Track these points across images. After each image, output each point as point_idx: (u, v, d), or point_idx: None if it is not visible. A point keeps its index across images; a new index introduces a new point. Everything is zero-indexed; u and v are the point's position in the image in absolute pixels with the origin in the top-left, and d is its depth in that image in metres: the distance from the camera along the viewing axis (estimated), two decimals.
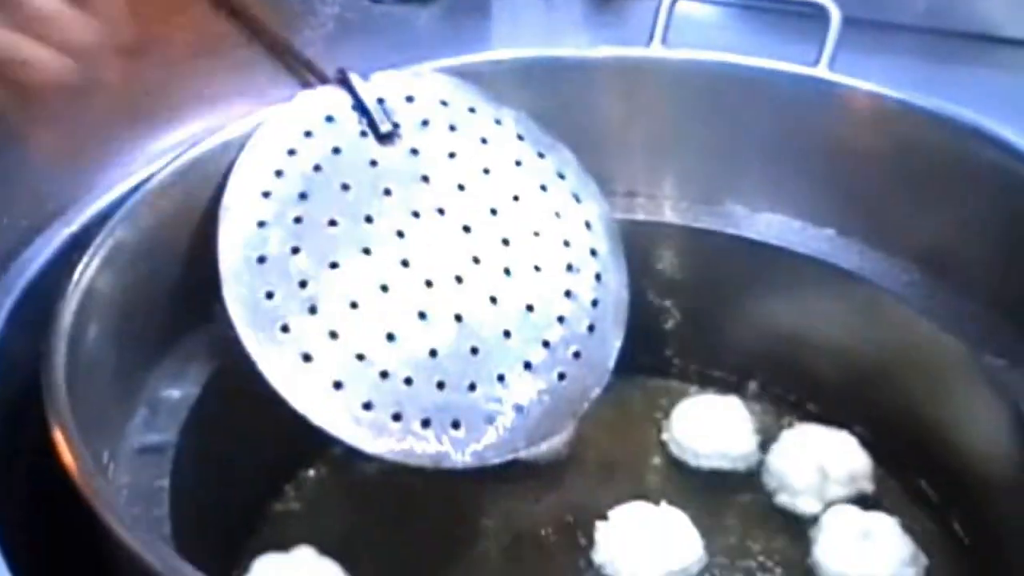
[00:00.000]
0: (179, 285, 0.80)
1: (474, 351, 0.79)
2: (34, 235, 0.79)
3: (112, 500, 0.60)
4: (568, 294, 0.83)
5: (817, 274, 0.91)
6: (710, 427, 0.93)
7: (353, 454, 0.75)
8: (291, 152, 0.82)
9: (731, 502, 0.90)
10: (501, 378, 0.79)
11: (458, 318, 0.80)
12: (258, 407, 0.74)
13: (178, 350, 0.80)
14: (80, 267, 0.71)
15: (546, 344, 0.81)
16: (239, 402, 0.76)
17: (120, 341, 0.74)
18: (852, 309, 0.91)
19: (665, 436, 0.94)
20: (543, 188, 0.86)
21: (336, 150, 0.83)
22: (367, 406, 0.75)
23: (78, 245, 0.77)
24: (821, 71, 0.90)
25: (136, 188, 0.81)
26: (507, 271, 0.82)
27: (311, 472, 0.91)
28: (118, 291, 0.74)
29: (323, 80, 0.90)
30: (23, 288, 0.75)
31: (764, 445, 0.92)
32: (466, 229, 0.82)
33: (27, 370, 0.68)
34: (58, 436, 0.61)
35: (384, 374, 0.76)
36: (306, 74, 0.95)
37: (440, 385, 0.77)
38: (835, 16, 0.92)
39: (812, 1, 0.92)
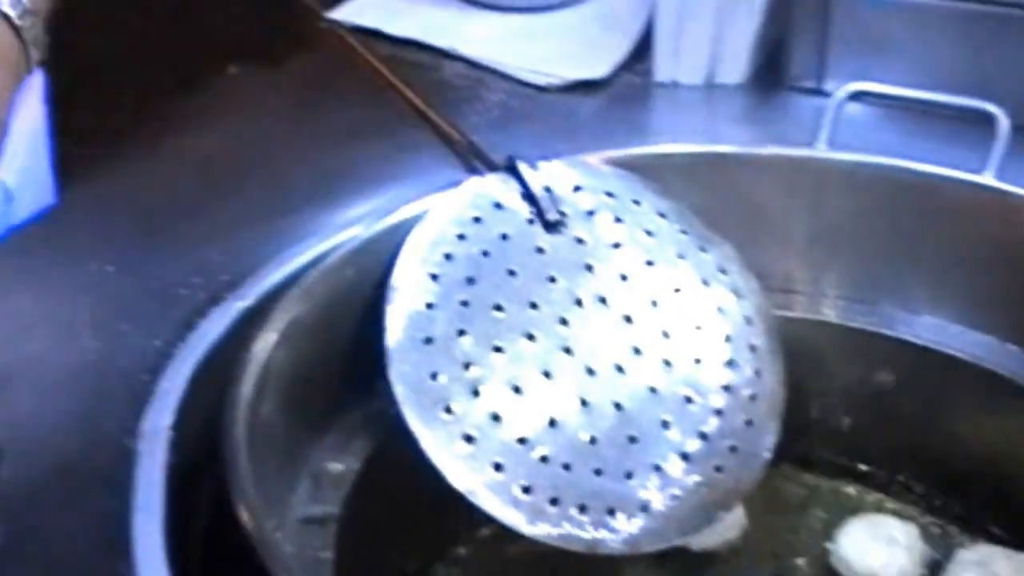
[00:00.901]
0: (346, 361, 0.82)
1: (632, 440, 0.80)
2: (210, 306, 0.82)
3: (291, 569, 0.62)
4: (727, 388, 0.84)
5: (975, 380, 0.90)
6: (878, 552, 0.91)
7: (505, 534, 0.76)
8: (460, 237, 0.84)
9: None
10: (658, 468, 0.80)
11: (618, 406, 0.81)
12: (417, 484, 0.76)
13: (342, 424, 0.82)
14: (258, 341, 0.74)
15: (703, 436, 0.82)
16: (399, 478, 0.78)
17: (290, 414, 0.76)
18: (1011, 417, 0.90)
19: (828, 545, 0.94)
20: (705, 282, 0.86)
21: (504, 236, 0.84)
22: (526, 489, 0.76)
23: (252, 318, 0.80)
24: (987, 178, 0.90)
25: (309, 265, 0.84)
26: (667, 363, 0.83)
27: (462, 550, 0.92)
28: (290, 365, 0.76)
29: (491, 166, 0.92)
30: (200, 358, 0.77)
31: (935, 566, 0.91)
32: (628, 319, 0.83)
33: (203, 438, 0.70)
34: (239, 506, 0.63)
35: (544, 459, 0.77)
36: (473, 159, 0.97)
37: (598, 472, 0.78)
38: (1003, 123, 0.91)
39: (980, 108, 0.93)
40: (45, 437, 0.72)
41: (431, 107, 1.06)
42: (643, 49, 1.15)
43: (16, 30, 0.81)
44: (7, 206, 1.01)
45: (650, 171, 0.90)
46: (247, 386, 0.71)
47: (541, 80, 1.11)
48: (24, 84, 0.83)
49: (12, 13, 0.81)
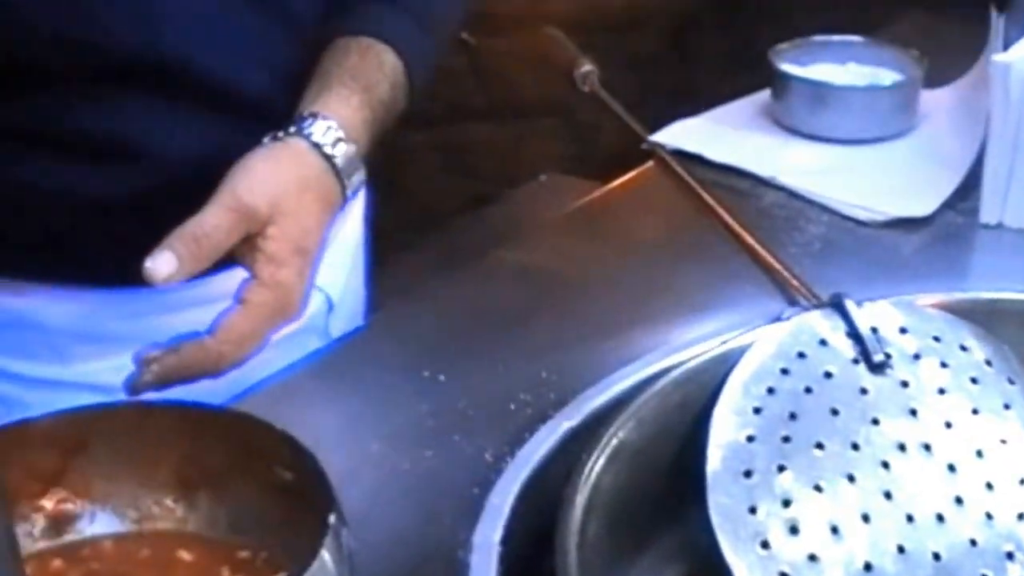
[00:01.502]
0: (666, 484, 0.84)
1: None
2: (538, 423, 0.85)
3: None
4: None
5: None
6: None
7: None
8: (784, 371, 0.85)
9: None
10: None
11: (936, 557, 0.80)
12: None
13: (658, 547, 0.84)
14: (588, 463, 0.76)
15: None
16: None
17: (613, 535, 0.78)
18: None
19: None
20: None
21: (827, 374, 0.85)
22: None
23: (578, 437, 0.83)
24: None
25: (634, 388, 0.86)
26: (989, 515, 0.82)
27: None
28: (616, 487, 0.78)
29: (815, 301, 0.93)
30: (528, 475, 0.80)
31: None
32: (951, 468, 0.82)
33: (531, 553, 0.73)
34: None
35: None
36: (796, 291, 0.98)
37: None
38: None
39: None
40: (380, 544, 0.75)
41: (752, 235, 1.07)
42: (967, 187, 1.14)
43: (328, 159, 0.85)
44: (328, 317, 1.07)
45: (977, 317, 0.90)
46: (577, 507, 0.73)
47: (862, 215, 1.12)
48: (343, 206, 0.88)
49: (325, 142, 0.85)
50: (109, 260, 0.90)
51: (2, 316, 0.94)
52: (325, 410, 0.87)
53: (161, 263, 0.75)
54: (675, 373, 0.85)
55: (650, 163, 1.23)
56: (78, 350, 0.95)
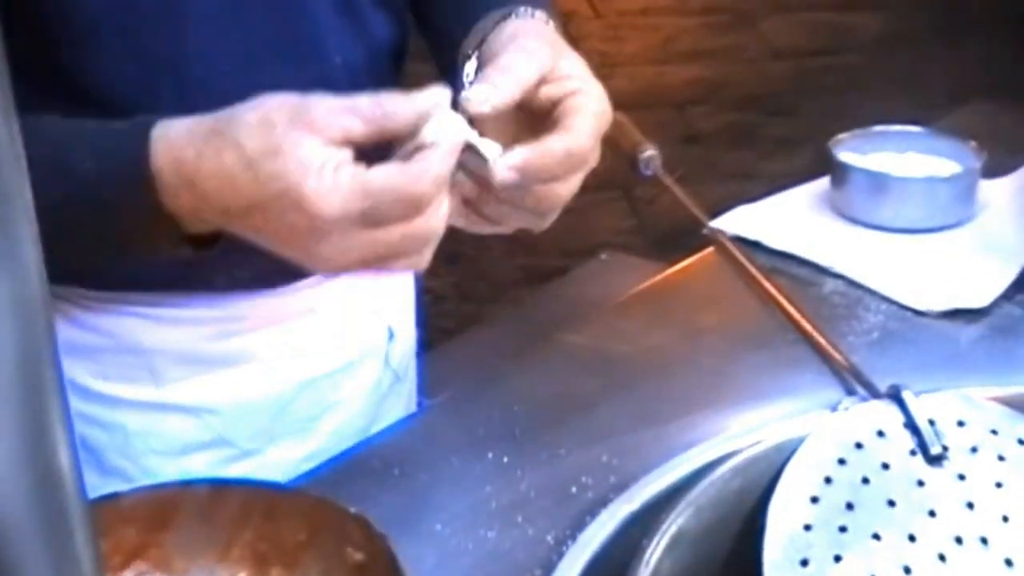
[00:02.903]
0: (722, 573, 0.85)
1: None
2: (599, 507, 0.86)
3: None
4: None
5: None
6: None
7: None
8: (841, 462, 0.86)
9: None
10: None
11: None
12: None
13: None
14: (649, 549, 0.78)
15: None
16: None
17: None
18: None
19: None
20: None
21: (885, 465, 0.86)
22: None
23: (637, 523, 0.84)
24: None
25: (695, 474, 0.88)
26: None
27: None
28: (675, 573, 0.80)
29: (872, 391, 0.95)
30: (589, 558, 0.82)
31: None
32: (1008, 563, 0.83)
33: None
34: None
35: None
36: (852, 381, 1.00)
37: None
38: None
39: None
40: None
41: (811, 323, 1.09)
42: None
43: None
44: (389, 346, 1.11)
45: None
46: None
47: (920, 305, 1.13)
48: None
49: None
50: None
51: (104, 341, 0.97)
52: (390, 489, 0.89)
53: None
54: (733, 461, 0.87)
55: (710, 248, 1.25)
56: (172, 372, 0.99)
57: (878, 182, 1.28)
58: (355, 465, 0.94)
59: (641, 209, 3.18)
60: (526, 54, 0.83)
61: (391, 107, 0.76)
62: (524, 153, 0.79)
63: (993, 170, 1.33)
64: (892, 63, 4.10)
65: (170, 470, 0.99)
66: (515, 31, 0.87)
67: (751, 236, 1.26)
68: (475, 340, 1.22)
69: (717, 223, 1.29)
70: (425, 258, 0.78)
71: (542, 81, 0.82)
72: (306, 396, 1.04)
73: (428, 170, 0.74)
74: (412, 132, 0.75)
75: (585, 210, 3.29)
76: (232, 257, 0.82)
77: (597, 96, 0.84)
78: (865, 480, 0.86)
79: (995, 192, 1.32)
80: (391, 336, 1.12)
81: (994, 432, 0.89)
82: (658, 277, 1.24)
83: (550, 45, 0.85)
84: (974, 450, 0.88)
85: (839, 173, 1.31)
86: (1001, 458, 0.88)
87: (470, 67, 0.89)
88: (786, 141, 3.57)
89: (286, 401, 1.03)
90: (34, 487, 0.37)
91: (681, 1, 4.86)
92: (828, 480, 0.86)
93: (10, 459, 0.37)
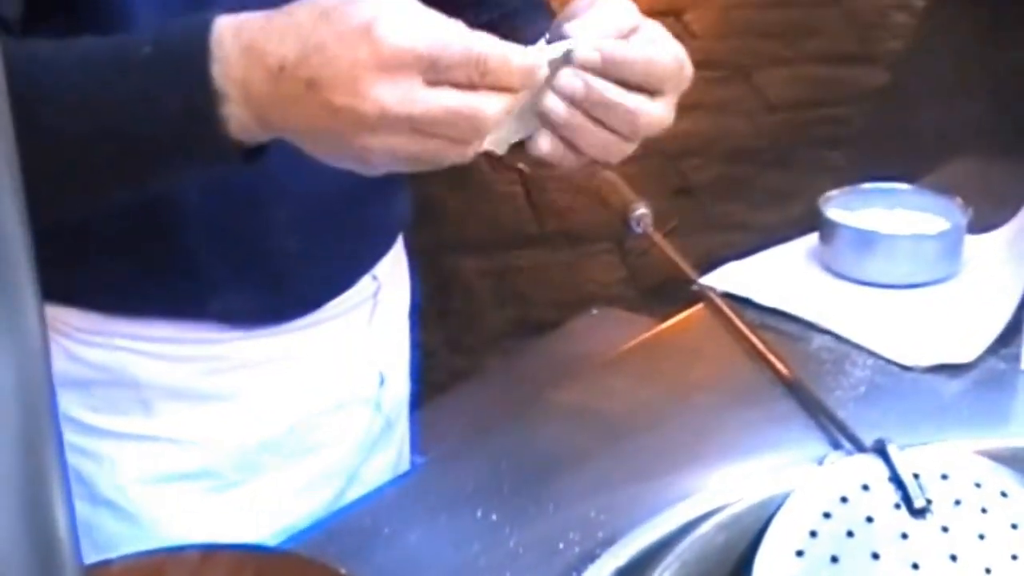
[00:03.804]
0: None
1: None
2: (586, 562, 0.87)
3: None
4: None
5: None
6: None
7: None
8: (826, 515, 0.87)
9: None
10: None
11: None
12: None
13: None
14: None
15: None
16: None
17: None
18: None
19: None
20: None
21: (869, 519, 0.87)
22: None
23: None
24: None
25: (681, 529, 0.89)
26: None
27: None
28: None
29: (858, 446, 0.96)
30: None
31: None
32: None
33: None
34: None
35: None
36: (839, 435, 1.01)
37: None
38: None
39: None
40: None
41: (798, 378, 1.10)
42: (1010, 333, 1.16)
43: None
44: (380, 391, 1.12)
45: (1018, 464, 0.92)
46: None
47: (907, 359, 1.14)
48: None
49: None
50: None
51: (96, 374, 0.99)
52: (378, 548, 0.90)
53: None
54: (720, 515, 0.88)
55: (700, 304, 1.26)
56: (163, 405, 1.00)
57: (866, 239, 1.30)
58: (345, 524, 0.95)
59: (633, 261, 3.19)
60: (613, 8, 0.84)
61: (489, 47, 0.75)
62: (608, 41, 0.81)
63: (979, 225, 1.35)
64: (885, 117, 4.13)
65: (158, 500, 1.01)
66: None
67: (740, 292, 1.27)
68: (465, 395, 1.23)
69: (706, 279, 1.30)
70: (470, 150, 0.77)
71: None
72: (295, 434, 1.06)
73: (510, 54, 0.75)
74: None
75: (577, 262, 3.32)
76: (227, 285, 0.82)
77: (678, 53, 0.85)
78: (850, 533, 0.87)
79: (981, 248, 1.33)
80: (382, 382, 1.13)
81: (977, 485, 0.90)
82: (648, 333, 1.25)
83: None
84: (958, 503, 0.89)
85: (828, 230, 1.32)
86: (984, 510, 0.89)
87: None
88: (779, 193, 3.59)
89: (274, 438, 1.04)
90: (33, 555, 0.38)
91: None
92: (813, 534, 0.87)
93: (11, 530, 0.38)
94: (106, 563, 0.72)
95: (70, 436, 0.98)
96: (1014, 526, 0.89)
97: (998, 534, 0.88)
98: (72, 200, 0.84)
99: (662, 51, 0.84)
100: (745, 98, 4.50)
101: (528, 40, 0.81)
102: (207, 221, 0.95)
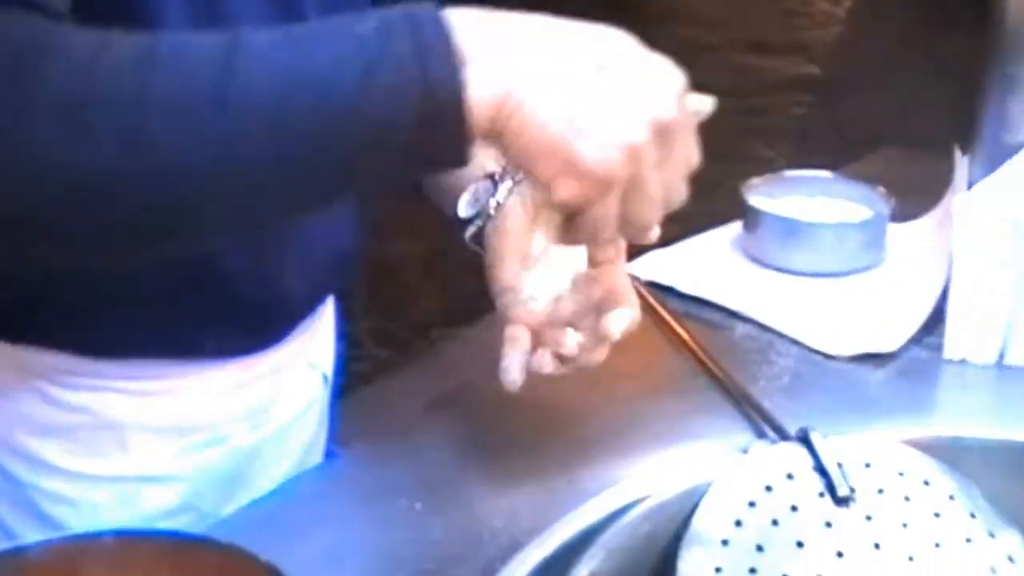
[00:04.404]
0: None
1: None
2: (512, 553, 0.86)
3: None
4: None
5: None
6: None
7: None
8: (751, 504, 0.87)
9: None
10: None
11: None
12: None
13: None
14: None
15: None
16: None
17: None
18: None
19: None
20: (993, 571, 0.87)
21: (794, 508, 0.88)
22: None
23: (549, 569, 0.85)
24: None
25: (606, 519, 0.88)
26: None
27: None
28: None
29: (782, 435, 0.96)
30: None
31: None
32: None
33: None
34: None
35: None
36: (763, 424, 1.01)
37: None
38: None
39: None
40: None
41: (722, 368, 1.10)
42: (933, 322, 1.17)
43: None
44: (325, 390, 1.11)
45: (942, 453, 0.92)
46: None
47: (830, 349, 1.15)
48: None
49: None
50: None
51: (79, 418, 0.96)
52: (302, 537, 0.89)
53: None
54: (645, 504, 0.88)
55: None
56: (142, 444, 0.98)
57: (789, 227, 1.30)
58: (267, 514, 0.94)
59: None
60: None
61: None
62: None
63: (901, 215, 1.35)
64: (811, 108, 4.16)
65: None
66: None
67: (664, 281, 1.27)
68: (387, 387, 1.22)
69: (630, 268, 1.29)
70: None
71: None
72: (264, 454, 1.04)
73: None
74: None
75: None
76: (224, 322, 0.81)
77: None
78: (775, 522, 0.87)
79: (904, 237, 1.34)
80: (325, 382, 1.12)
81: (900, 474, 0.91)
82: None
83: None
84: (881, 491, 0.89)
85: (751, 218, 1.33)
86: (907, 499, 0.89)
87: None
88: (704, 183, 3.60)
89: (245, 463, 1.02)
90: None
91: None
92: (738, 523, 0.87)
93: None
94: (21, 549, 0.70)
95: (47, 483, 0.96)
96: (937, 515, 0.89)
97: (921, 523, 0.88)
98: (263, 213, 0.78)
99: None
100: None
101: None
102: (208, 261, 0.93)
